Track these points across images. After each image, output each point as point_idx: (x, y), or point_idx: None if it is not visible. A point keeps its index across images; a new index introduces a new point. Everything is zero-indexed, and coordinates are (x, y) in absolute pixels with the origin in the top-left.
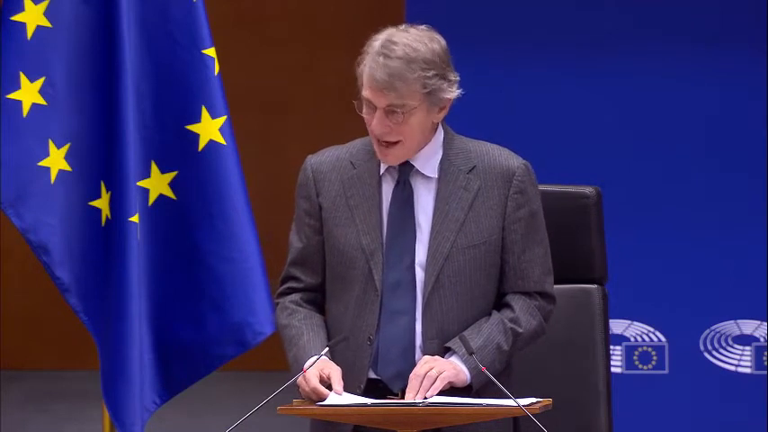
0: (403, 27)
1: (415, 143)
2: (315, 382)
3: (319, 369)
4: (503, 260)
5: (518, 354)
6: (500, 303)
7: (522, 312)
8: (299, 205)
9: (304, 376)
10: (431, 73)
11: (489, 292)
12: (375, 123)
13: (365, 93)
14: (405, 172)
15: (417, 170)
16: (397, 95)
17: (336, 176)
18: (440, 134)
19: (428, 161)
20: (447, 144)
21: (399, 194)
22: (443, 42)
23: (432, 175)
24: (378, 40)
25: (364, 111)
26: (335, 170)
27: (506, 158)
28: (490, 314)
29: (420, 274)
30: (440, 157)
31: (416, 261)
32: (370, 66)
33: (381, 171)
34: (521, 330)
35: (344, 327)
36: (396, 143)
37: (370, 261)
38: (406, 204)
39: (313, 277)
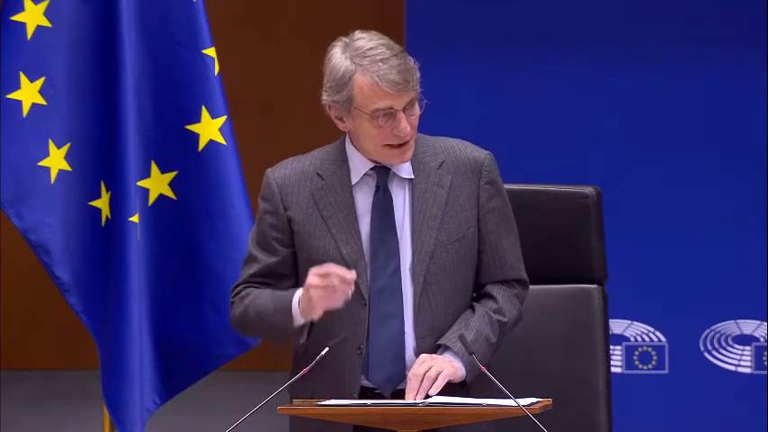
0: (346, 39)
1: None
2: (325, 268)
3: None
4: (479, 250)
5: (504, 347)
6: (480, 294)
7: (505, 302)
8: (263, 219)
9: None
10: (413, 59)
11: (470, 282)
12: (403, 126)
13: (381, 103)
14: (382, 178)
15: (394, 174)
16: (412, 88)
17: (305, 189)
18: None
19: (403, 163)
20: None
21: (379, 202)
22: None
23: (408, 176)
24: (353, 57)
25: (379, 123)
26: (302, 182)
27: (471, 151)
28: (472, 306)
29: (407, 277)
30: None
31: (401, 264)
32: (378, 75)
33: (355, 180)
34: (505, 320)
35: (332, 336)
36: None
37: (354, 270)
38: (386, 210)
39: (284, 284)
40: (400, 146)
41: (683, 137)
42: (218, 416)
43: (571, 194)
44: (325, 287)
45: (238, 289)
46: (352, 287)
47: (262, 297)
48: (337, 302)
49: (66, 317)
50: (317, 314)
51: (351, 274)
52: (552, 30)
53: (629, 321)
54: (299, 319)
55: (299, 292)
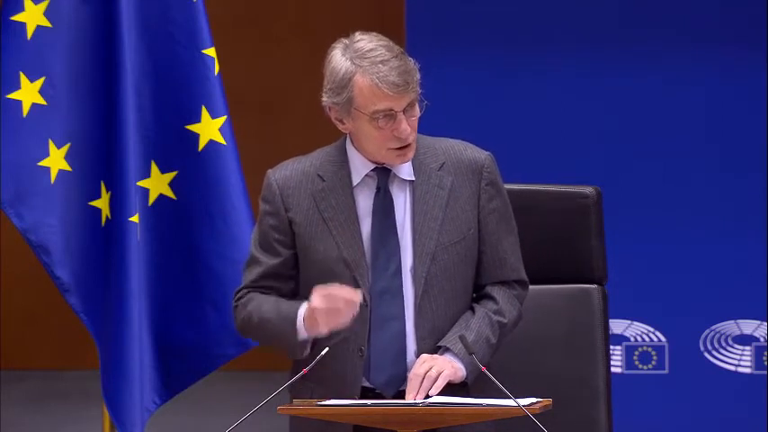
0: (347, 41)
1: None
2: (332, 290)
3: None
4: (480, 251)
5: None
6: (480, 294)
7: (505, 303)
8: (264, 221)
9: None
10: (413, 60)
11: (470, 283)
12: (403, 128)
13: (381, 105)
14: (383, 179)
15: (395, 175)
16: (412, 90)
17: (305, 190)
18: None
19: (404, 164)
20: None
21: (380, 203)
22: None
23: (409, 178)
24: (353, 58)
25: (379, 124)
26: (303, 184)
27: (472, 152)
28: (472, 307)
29: (408, 278)
30: None
31: (402, 265)
32: (378, 76)
33: (356, 182)
34: (505, 321)
35: (332, 336)
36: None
37: (355, 272)
38: (387, 212)
39: (287, 285)
40: (402, 147)
41: (683, 137)
42: (218, 416)
43: (571, 194)
44: (329, 310)
45: (241, 293)
46: (357, 308)
47: (266, 305)
48: (342, 324)
49: (67, 317)
50: (321, 334)
51: (356, 295)
52: (552, 30)
53: (629, 321)
54: (303, 334)
55: (304, 306)
